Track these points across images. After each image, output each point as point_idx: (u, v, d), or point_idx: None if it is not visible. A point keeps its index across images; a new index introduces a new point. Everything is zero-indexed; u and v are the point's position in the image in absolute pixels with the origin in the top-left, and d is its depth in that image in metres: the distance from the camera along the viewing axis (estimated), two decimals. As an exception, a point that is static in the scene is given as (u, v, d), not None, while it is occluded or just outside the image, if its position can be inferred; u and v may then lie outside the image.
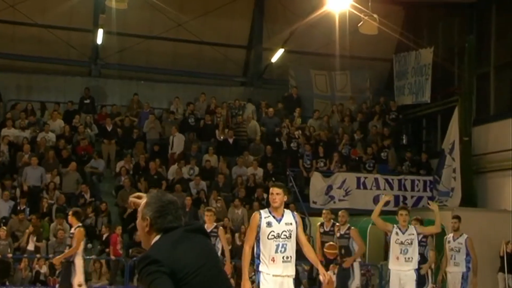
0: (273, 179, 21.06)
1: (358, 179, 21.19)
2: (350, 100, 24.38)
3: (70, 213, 12.65)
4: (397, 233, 11.58)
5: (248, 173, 21.23)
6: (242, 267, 8.69)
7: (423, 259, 12.57)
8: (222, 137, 22.31)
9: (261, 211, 8.69)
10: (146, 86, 23.92)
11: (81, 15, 23.00)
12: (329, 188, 20.99)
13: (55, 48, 23.11)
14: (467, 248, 12.99)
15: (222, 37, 24.36)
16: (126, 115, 22.54)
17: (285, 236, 8.32)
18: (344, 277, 13.03)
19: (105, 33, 22.11)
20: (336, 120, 23.67)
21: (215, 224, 13.08)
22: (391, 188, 21.12)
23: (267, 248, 8.34)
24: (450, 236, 13.36)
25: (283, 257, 8.35)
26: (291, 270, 8.46)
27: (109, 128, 21.92)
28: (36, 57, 23.23)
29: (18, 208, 18.70)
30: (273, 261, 8.31)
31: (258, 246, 8.41)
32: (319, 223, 13.99)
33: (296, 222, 8.46)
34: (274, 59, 24.14)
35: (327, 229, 13.54)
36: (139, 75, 24.25)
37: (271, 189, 8.58)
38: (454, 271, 13.09)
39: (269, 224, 8.36)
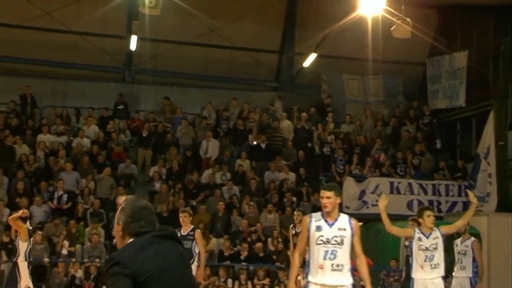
0: (306, 183, 21.09)
1: (392, 184, 21.06)
2: (383, 105, 24.27)
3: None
4: (420, 239, 10.10)
5: (280, 178, 21.24)
6: (290, 274, 8.25)
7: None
8: (254, 142, 22.35)
9: (313, 214, 7.98)
10: (178, 92, 24.06)
11: (115, 21, 23.23)
12: (362, 193, 20.90)
13: (90, 55, 23.37)
14: (473, 251, 12.47)
15: (254, 42, 24.41)
16: (159, 121, 22.70)
17: (335, 242, 7.57)
18: None
19: (138, 39, 22.30)
20: (369, 124, 23.56)
21: (192, 226, 12.36)
22: (425, 193, 20.96)
23: (315, 255, 7.62)
24: (458, 239, 12.89)
25: (332, 265, 7.57)
26: (342, 280, 7.64)
27: (144, 134, 22.08)
28: (71, 63, 23.53)
29: (53, 213, 18.96)
30: (321, 268, 7.57)
31: (308, 252, 7.76)
32: (291, 225, 13.71)
33: (351, 229, 7.65)
34: (306, 64, 24.12)
35: (299, 230, 12.87)
36: (172, 81, 24.39)
37: (321, 192, 7.77)
38: (461, 275, 12.57)
39: (318, 228, 7.62)
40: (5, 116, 21.81)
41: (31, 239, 11.92)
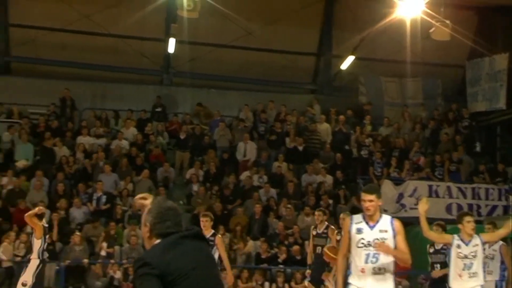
0: (343, 186, 21.01)
1: (430, 187, 20.87)
2: (421, 107, 24.07)
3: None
4: (459, 246, 9.55)
5: (318, 180, 21.18)
6: (337, 279, 8.13)
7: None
8: (292, 145, 22.33)
9: (354, 216, 7.79)
10: (216, 94, 24.15)
11: (153, 24, 23.41)
12: (400, 196, 20.73)
13: (128, 58, 23.60)
14: (502, 255, 12.27)
15: (292, 45, 24.38)
16: (197, 124, 22.82)
17: None
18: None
19: (176, 42, 22.45)
20: (407, 127, 23.38)
21: (212, 231, 11.82)
22: (464, 196, 20.71)
23: (356, 258, 7.45)
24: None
25: (373, 268, 7.37)
26: (385, 284, 7.44)
27: (182, 136, 22.20)
28: (110, 66, 23.79)
29: (92, 214, 19.18)
30: (363, 272, 7.39)
31: (350, 255, 7.59)
32: (312, 226, 13.47)
33: (393, 230, 7.39)
34: (344, 66, 24.03)
35: (320, 231, 12.90)
36: (210, 83, 24.51)
37: (362, 195, 7.56)
38: (487, 279, 11.92)
39: (359, 231, 7.45)
40: (45, 118, 22.12)
41: (47, 236, 11.90)
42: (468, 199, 20.57)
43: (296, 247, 18.73)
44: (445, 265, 11.37)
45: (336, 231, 12.63)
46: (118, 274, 17.49)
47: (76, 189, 20.07)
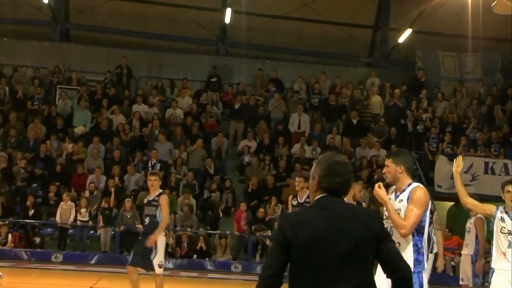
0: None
1: (486, 164, 20.56)
2: (479, 82, 23.63)
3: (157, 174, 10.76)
4: (502, 219, 7.95)
5: (371, 154, 21.07)
6: None
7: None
8: (346, 117, 22.21)
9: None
10: (271, 65, 24.11)
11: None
12: (455, 172, 20.44)
13: (185, 27, 23.73)
14: (476, 229, 11.52)
15: (348, 17, 24.15)
16: (252, 94, 22.85)
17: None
18: None
19: (233, 12, 22.48)
20: (464, 103, 23.02)
21: (160, 191, 10.46)
22: (522, 174, 20.34)
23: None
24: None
25: None
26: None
27: (236, 106, 22.28)
28: (166, 35, 23.99)
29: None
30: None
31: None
32: (291, 196, 11.16)
33: (408, 198, 6.32)
34: (401, 39, 23.72)
35: (302, 201, 10.51)
36: (265, 54, 24.49)
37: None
38: (464, 253, 11.89)
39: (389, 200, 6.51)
40: (102, 86, 22.44)
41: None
42: (525, 177, 20.18)
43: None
44: None
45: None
46: (171, 241, 17.74)
47: (132, 156, 20.37)
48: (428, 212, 6.40)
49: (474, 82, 23.68)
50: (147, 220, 10.41)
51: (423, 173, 20.58)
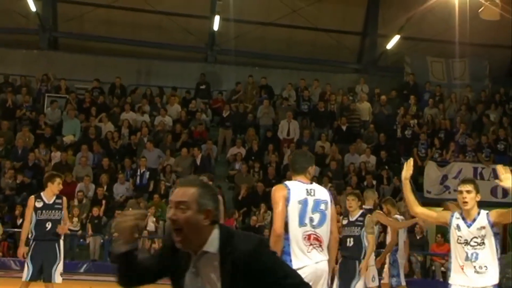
0: (386, 167, 20.88)
1: (475, 169, 20.60)
2: (467, 88, 23.71)
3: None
4: (458, 227, 6.83)
5: (361, 160, 21.08)
6: None
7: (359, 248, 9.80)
8: (336, 124, 22.24)
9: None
10: (260, 72, 24.11)
11: (198, 1, 23.47)
12: (444, 177, 20.53)
13: (174, 35, 23.70)
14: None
15: (337, 24, 24.20)
16: (240, 101, 22.84)
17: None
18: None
19: (221, 19, 22.45)
20: (453, 108, 23.09)
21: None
22: (511, 179, 20.36)
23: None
24: None
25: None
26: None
27: (224, 114, 22.25)
28: (155, 43, 23.94)
29: (135, 190, 19.40)
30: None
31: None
32: (341, 216, 10.54)
33: None
34: (390, 46, 23.78)
35: (353, 219, 10.00)
36: (254, 61, 24.49)
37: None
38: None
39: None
40: (90, 94, 22.37)
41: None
42: (515, 183, 20.22)
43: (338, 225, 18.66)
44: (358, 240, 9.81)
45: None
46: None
47: (121, 164, 20.30)
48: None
49: (462, 88, 23.76)
50: None
51: (412, 179, 20.54)
